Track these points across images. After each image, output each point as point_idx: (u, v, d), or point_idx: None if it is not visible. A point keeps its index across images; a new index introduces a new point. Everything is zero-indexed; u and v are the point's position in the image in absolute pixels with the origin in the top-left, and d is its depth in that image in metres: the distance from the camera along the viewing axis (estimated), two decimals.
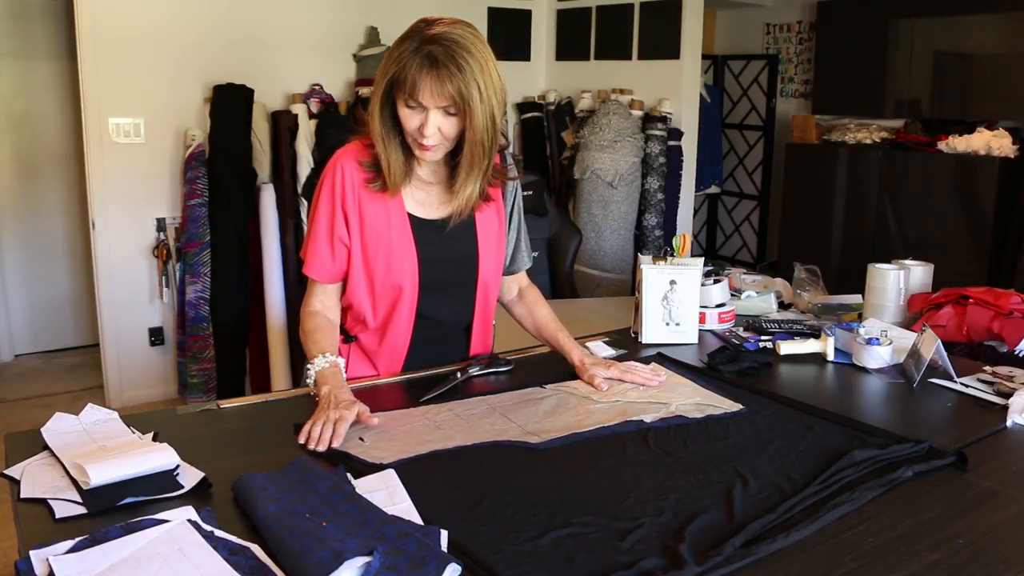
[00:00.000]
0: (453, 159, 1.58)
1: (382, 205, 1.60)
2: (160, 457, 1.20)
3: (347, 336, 1.71)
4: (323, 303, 1.66)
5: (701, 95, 4.70)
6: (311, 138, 3.96)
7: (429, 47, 1.42)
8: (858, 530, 1.09)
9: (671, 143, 4.32)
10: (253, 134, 3.89)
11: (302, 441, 1.34)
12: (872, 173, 4.96)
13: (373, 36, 4.30)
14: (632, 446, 1.36)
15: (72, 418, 1.36)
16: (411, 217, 1.62)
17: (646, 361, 1.78)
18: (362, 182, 1.59)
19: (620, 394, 1.58)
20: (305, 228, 3.91)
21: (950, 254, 4.41)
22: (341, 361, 1.55)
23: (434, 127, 1.47)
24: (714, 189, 6.16)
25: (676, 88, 4.35)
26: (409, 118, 1.47)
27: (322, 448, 1.31)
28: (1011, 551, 1.06)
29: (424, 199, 1.63)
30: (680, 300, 1.92)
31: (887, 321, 2.00)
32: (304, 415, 1.46)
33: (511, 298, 1.86)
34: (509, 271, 1.82)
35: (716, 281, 2.07)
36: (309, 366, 1.52)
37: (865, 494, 1.17)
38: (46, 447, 1.28)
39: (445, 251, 1.64)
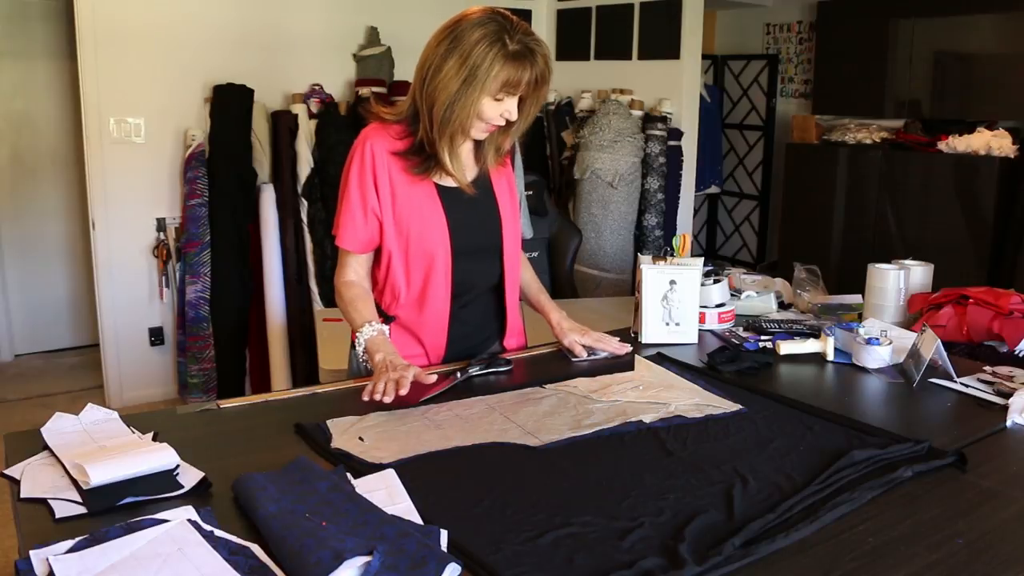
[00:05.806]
0: None
1: (410, 177, 1.70)
2: (160, 457, 1.20)
3: (386, 317, 1.76)
4: (357, 272, 1.76)
5: (701, 95, 4.70)
6: (311, 138, 3.96)
7: (518, 47, 1.56)
8: (858, 530, 1.09)
9: (671, 143, 4.32)
10: (253, 134, 3.89)
11: (366, 399, 1.48)
12: (872, 173, 4.95)
13: (373, 36, 4.30)
14: (632, 446, 1.36)
15: (72, 418, 1.36)
16: (437, 187, 1.72)
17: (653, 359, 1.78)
18: (393, 160, 1.68)
19: (619, 394, 1.58)
20: (306, 229, 3.93)
21: (950, 254, 4.40)
22: (387, 328, 1.68)
23: (515, 109, 1.64)
24: (714, 189, 6.15)
25: (676, 88, 4.35)
26: (494, 108, 1.61)
27: (388, 399, 1.46)
28: (1011, 551, 1.06)
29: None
30: (680, 300, 1.92)
31: (887, 321, 2.00)
32: (304, 415, 1.46)
33: None
34: None
35: (716, 281, 2.07)
36: (358, 334, 1.64)
37: (865, 494, 1.17)
38: (46, 447, 1.28)
39: (471, 215, 1.75)
